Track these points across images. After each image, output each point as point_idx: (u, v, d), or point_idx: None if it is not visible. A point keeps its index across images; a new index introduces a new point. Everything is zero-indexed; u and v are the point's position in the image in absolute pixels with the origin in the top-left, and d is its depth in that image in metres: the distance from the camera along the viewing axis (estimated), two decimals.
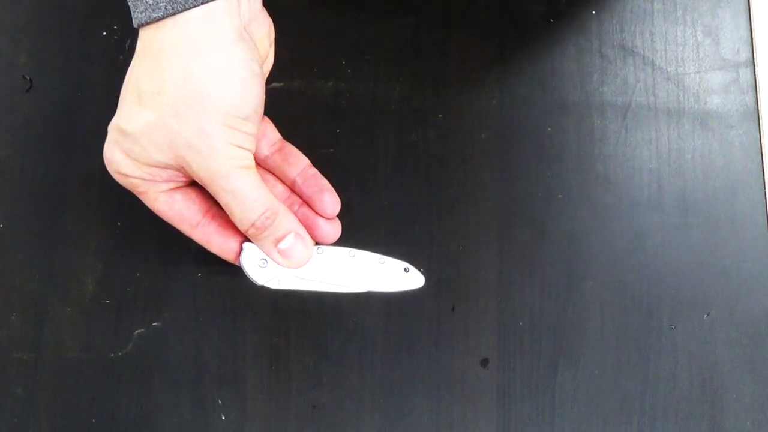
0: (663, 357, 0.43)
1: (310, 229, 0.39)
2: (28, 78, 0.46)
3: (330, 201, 0.39)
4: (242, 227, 0.36)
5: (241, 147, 0.34)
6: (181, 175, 0.35)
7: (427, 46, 0.47)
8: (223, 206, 0.35)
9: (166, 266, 0.44)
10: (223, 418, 0.42)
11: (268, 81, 0.45)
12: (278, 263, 0.37)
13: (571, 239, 0.45)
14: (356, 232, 0.44)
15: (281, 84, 0.46)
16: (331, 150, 0.45)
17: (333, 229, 0.39)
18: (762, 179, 0.46)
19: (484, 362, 0.43)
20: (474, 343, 0.43)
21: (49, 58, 0.46)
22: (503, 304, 0.44)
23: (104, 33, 0.47)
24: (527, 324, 0.44)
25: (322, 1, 0.48)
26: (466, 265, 0.44)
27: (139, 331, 0.43)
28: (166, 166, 0.34)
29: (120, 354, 0.42)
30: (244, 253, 0.37)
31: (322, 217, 0.39)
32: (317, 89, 0.46)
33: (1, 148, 0.45)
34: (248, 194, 0.34)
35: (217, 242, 0.38)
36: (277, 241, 0.36)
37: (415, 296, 0.43)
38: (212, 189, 0.34)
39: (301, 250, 0.37)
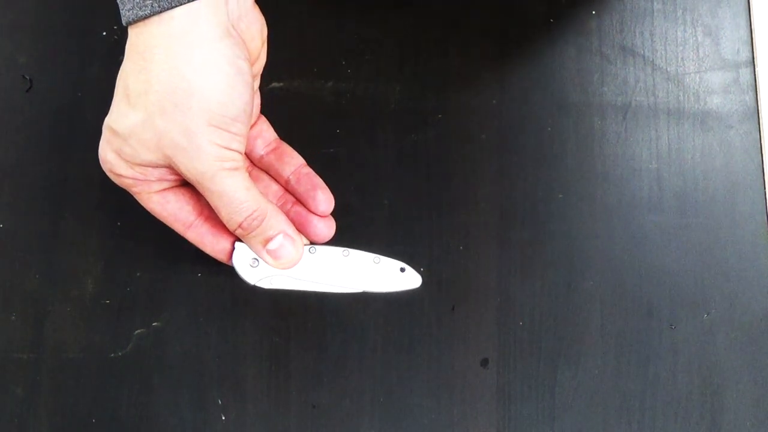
0: (663, 357, 0.43)
1: (303, 228, 0.39)
2: (28, 78, 0.46)
3: (323, 198, 0.39)
4: (230, 228, 0.36)
5: (227, 148, 0.33)
6: (172, 174, 0.35)
7: (427, 46, 0.47)
8: (212, 206, 0.35)
9: (165, 266, 0.44)
10: (223, 418, 0.42)
11: (267, 81, 0.45)
12: (268, 263, 0.37)
13: (571, 239, 0.45)
14: (356, 232, 0.44)
15: (281, 84, 0.46)
16: (331, 150, 0.45)
17: (327, 227, 0.39)
18: (762, 179, 0.46)
19: (484, 362, 0.43)
20: (474, 343, 0.43)
21: (49, 58, 0.46)
22: (503, 304, 0.44)
23: (104, 33, 0.47)
24: (527, 324, 0.44)
25: (322, 1, 0.48)
26: (466, 265, 0.44)
27: (139, 331, 0.43)
28: (156, 166, 0.34)
29: (120, 354, 0.43)
30: (235, 252, 0.37)
31: (316, 215, 0.39)
32: (317, 89, 0.46)
33: (1, 148, 0.45)
34: (234, 196, 0.34)
35: (210, 243, 0.38)
36: (266, 241, 0.36)
37: (415, 296, 0.43)
38: (200, 189, 0.34)
39: (290, 250, 0.37)
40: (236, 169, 0.34)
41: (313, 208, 0.39)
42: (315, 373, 0.43)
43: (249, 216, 0.35)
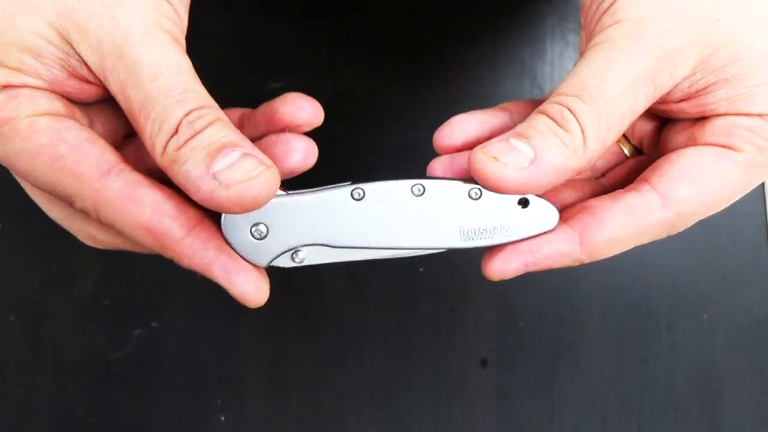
0: (662, 357, 0.44)
1: (276, 158, 0.26)
2: None
3: (300, 104, 0.27)
4: (158, 141, 0.22)
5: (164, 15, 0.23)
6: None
7: (427, 46, 0.47)
8: (131, 114, 0.23)
9: (166, 266, 0.43)
10: (223, 418, 0.42)
11: (267, 81, 0.45)
12: (214, 198, 0.22)
13: None
14: None
15: (281, 84, 0.46)
16: (331, 150, 0.45)
17: (307, 149, 0.27)
18: None
19: (484, 362, 0.43)
20: (474, 343, 0.43)
21: None
22: (503, 304, 0.44)
23: None
24: (527, 324, 0.44)
25: (323, 1, 0.48)
26: (466, 265, 0.44)
27: (138, 331, 0.43)
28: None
29: (120, 354, 0.42)
30: (224, 222, 0.24)
31: (291, 129, 0.26)
32: (317, 89, 0.46)
33: None
34: (177, 76, 0.23)
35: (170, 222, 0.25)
36: (212, 155, 0.22)
37: (415, 296, 0.43)
38: (119, 82, 0.23)
39: (251, 172, 0.22)
40: (175, 39, 0.23)
41: (283, 115, 0.27)
42: (315, 373, 0.43)
43: (195, 109, 0.22)
